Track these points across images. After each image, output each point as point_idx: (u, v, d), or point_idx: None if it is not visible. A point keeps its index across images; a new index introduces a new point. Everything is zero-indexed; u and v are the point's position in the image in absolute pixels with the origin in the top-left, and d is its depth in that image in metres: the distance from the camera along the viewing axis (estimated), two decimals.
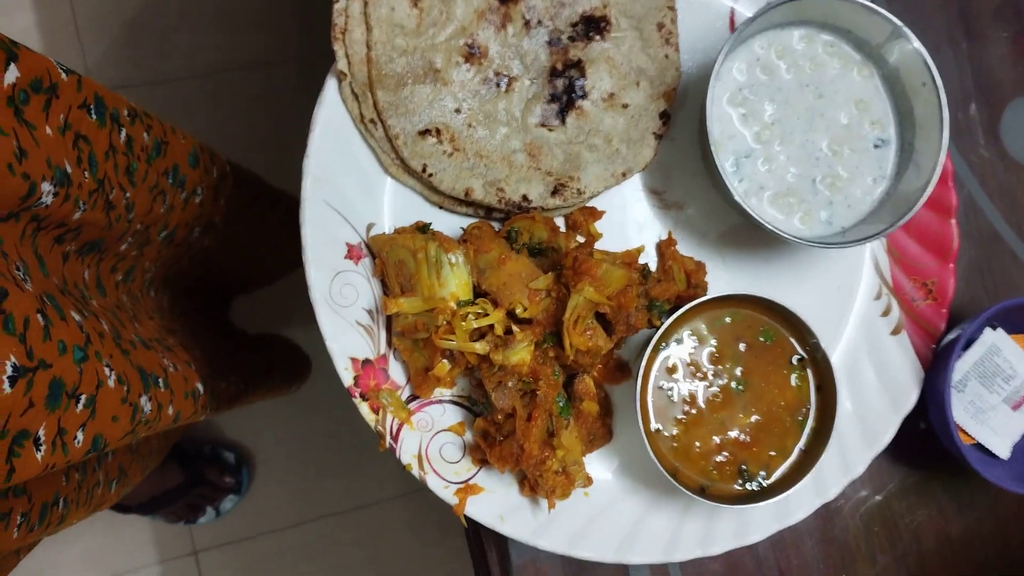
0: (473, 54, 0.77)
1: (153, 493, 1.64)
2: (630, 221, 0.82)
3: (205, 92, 1.78)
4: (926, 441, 0.86)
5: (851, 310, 0.84)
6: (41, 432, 0.67)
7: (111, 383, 0.76)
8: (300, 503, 1.80)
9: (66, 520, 0.90)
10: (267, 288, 1.58)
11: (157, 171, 0.91)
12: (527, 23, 0.79)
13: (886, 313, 0.84)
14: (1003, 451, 0.83)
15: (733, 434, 0.76)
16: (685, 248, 0.82)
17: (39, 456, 0.67)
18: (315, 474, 1.80)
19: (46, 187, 0.71)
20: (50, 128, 0.73)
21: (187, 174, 0.98)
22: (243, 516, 1.77)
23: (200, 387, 0.99)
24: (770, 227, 0.74)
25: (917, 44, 0.76)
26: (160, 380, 0.88)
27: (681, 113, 0.83)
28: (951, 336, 0.83)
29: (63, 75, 0.75)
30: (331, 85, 0.75)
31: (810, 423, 0.77)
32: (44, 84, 0.72)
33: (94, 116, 0.79)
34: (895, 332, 0.84)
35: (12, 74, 0.68)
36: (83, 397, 0.71)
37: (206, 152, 1.04)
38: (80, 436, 0.71)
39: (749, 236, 0.83)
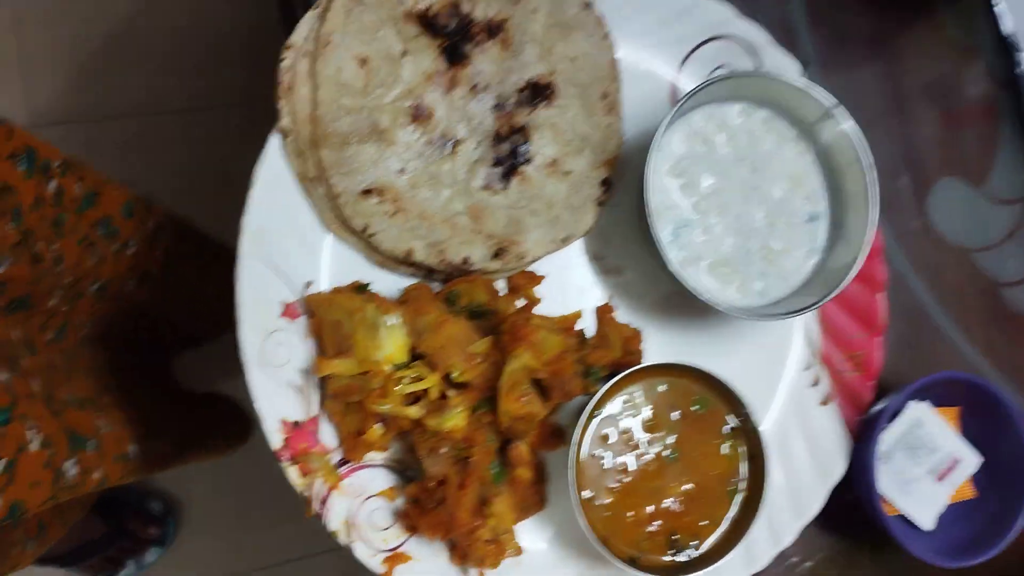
0: (419, 115, 0.78)
1: (72, 545, 1.57)
2: (571, 284, 0.83)
3: (146, 133, 1.75)
4: (853, 511, 0.87)
5: (781, 380, 0.85)
6: None
7: (34, 447, 0.73)
8: (228, 555, 1.73)
9: None
10: (214, 342, 1.54)
11: (88, 222, 0.89)
12: (474, 87, 0.80)
13: (815, 383, 0.86)
14: (927, 523, 0.85)
15: (666, 503, 0.76)
16: (623, 314, 0.83)
17: None
18: (245, 525, 1.74)
19: None
20: None
21: (120, 225, 0.96)
22: (167, 569, 1.70)
23: (133, 449, 0.96)
24: (705, 298, 0.76)
25: (847, 124, 0.78)
26: (89, 442, 0.85)
27: (623, 181, 0.85)
28: (878, 408, 0.85)
29: None
30: (274, 142, 0.75)
31: (741, 493, 0.78)
32: None
33: (23, 167, 0.77)
34: (824, 403, 0.85)
35: None
36: (2, 462, 0.68)
37: (141, 203, 1.02)
38: None
39: (685, 304, 0.84)
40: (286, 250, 0.75)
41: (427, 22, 0.77)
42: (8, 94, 1.70)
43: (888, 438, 0.85)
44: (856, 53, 0.96)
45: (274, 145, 0.75)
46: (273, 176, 0.75)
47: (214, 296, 1.31)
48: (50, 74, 1.73)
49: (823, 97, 0.78)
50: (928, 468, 0.85)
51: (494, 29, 0.80)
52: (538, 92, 0.81)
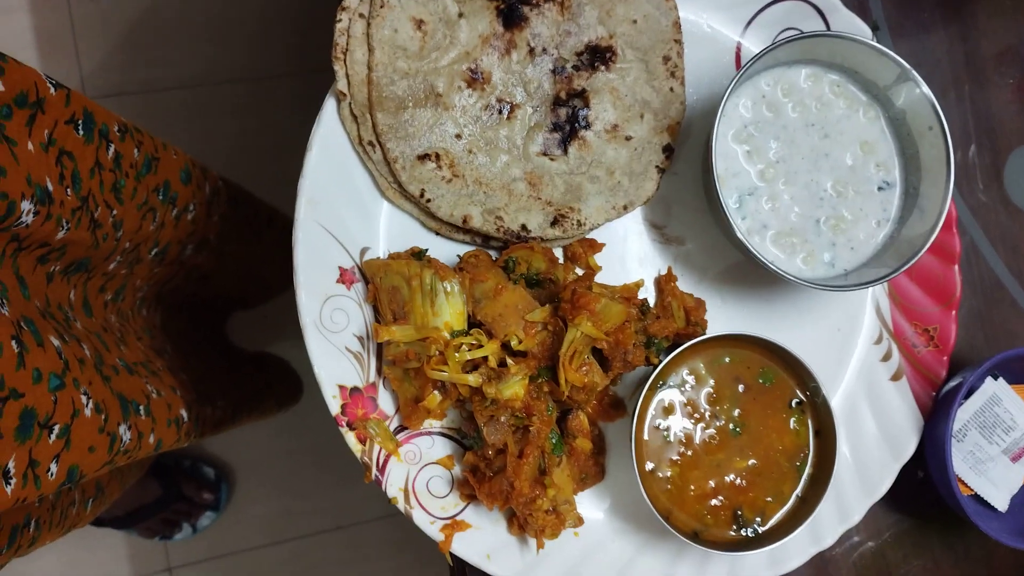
0: (476, 79, 0.76)
1: (129, 507, 1.60)
2: (630, 254, 0.81)
3: (200, 103, 1.76)
4: (923, 489, 0.84)
5: (851, 354, 0.82)
6: (11, 465, 0.64)
7: (88, 412, 0.74)
8: (280, 521, 1.76)
9: (37, 542, 0.87)
10: (266, 304, 1.55)
11: (147, 188, 0.89)
12: (532, 50, 0.77)
13: (886, 358, 0.83)
14: (1001, 504, 0.81)
15: (729, 478, 0.74)
16: (685, 284, 0.81)
17: (8, 490, 0.64)
18: (297, 491, 1.76)
19: (26, 206, 0.68)
20: (32, 144, 0.70)
21: (179, 191, 0.96)
22: (220, 533, 1.73)
23: (184, 414, 0.97)
24: (772, 267, 0.73)
25: (925, 88, 0.75)
26: (142, 408, 0.85)
27: (684, 147, 0.82)
28: (952, 384, 0.82)
29: (52, 89, 0.73)
30: (330, 105, 0.74)
31: (808, 469, 0.75)
32: (30, 98, 0.70)
33: (81, 132, 0.77)
34: (895, 378, 0.82)
35: None
36: (57, 427, 0.69)
37: (198, 168, 1.02)
38: (54, 468, 0.69)
39: (750, 275, 0.82)
40: (342, 215, 0.74)
41: None
42: (63, 66, 1.72)
43: (962, 416, 0.81)
44: (927, 17, 0.92)
45: (330, 109, 0.74)
46: (329, 140, 0.74)
47: (267, 260, 1.32)
48: (103, 46, 1.75)
49: (898, 60, 0.74)
50: (1003, 448, 0.81)
51: None
52: (598, 55, 0.79)
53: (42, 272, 0.79)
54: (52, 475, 0.69)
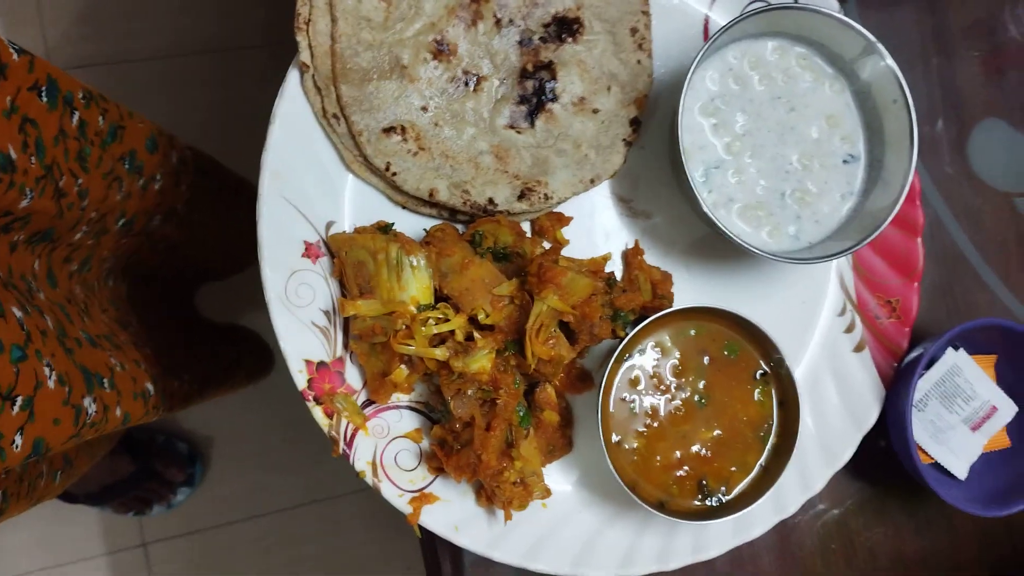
0: (442, 51, 0.75)
1: (102, 483, 1.60)
2: (597, 228, 0.81)
3: (168, 75, 1.74)
4: (884, 458, 0.86)
5: (815, 326, 0.83)
6: None
7: (51, 384, 0.73)
8: (254, 496, 1.76)
9: (5, 513, 0.86)
10: (237, 275, 1.54)
11: (112, 156, 0.88)
12: (498, 21, 0.77)
13: (849, 330, 0.84)
14: (961, 472, 0.83)
15: (694, 448, 0.75)
16: (652, 258, 0.81)
17: None
18: (271, 466, 1.76)
19: None
20: None
21: (145, 160, 0.94)
22: (195, 508, 1.73)
23: (150, 387, 0.96)
24: (738, 240, 0.73)
25: (890, 61, 0.75)
26: (105, 380, 0.85)
27: (652, 121, 0.82)
28: (913, 355, 0.83)
29: (14, 55, 0.71)
30: (293, 77, 0.73)
31: (772, 439, 0.76)
32: None
33: (45, 99, 0.76)
34: (858, 349, 0.83)
35: None
36: (19, 399, 0.68)
37: (165, 137, 1.00)
38: (19, 440, 0.68)
39: (716, 248, 0.82)
40: (307, 189, 0.73)
41: None
42: (27, 36, 1.68)
43: (923, 386, 0.83)
44: None
45: (293, 81, 0.73)
46: (293, 113, 0.73)
47: (237, 231, 1.30)
48: (69, 16, 1.71)
49: (863, 32, 0.75)
50: (963, 417, 0.83)
51: None
52: (565, 27, 0.78)
53: (5, 241, 0.78)
54: (17, 447, 0.68)
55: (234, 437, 1.76)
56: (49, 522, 1.68)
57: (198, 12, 1.74)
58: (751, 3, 0.83)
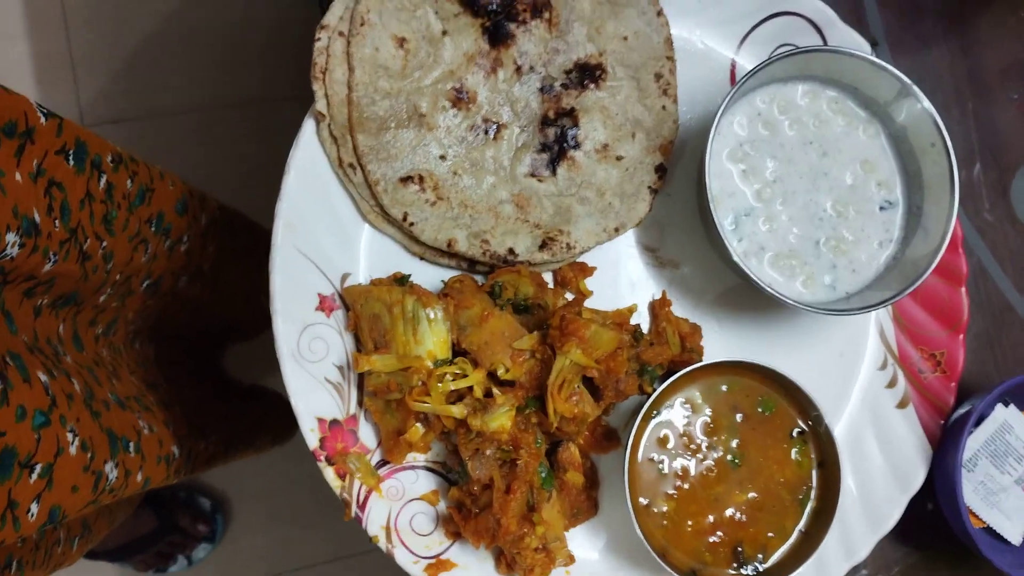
0: (461, 99, 0.74)
1: (124, 540, 1.57)
2: (622, 278, 0.78)
3: (200, 129, 1.75)
4: (932, 521, 0.81)
5: (855, 381, 0.79)
6: None
7: (73, 450, 0.71)
8: (275, 553, 1.73)
9: None
10: (262, 335, 1.53)
11: (139, 219, 0.87)
12: (519, 69, 0.75)
13: (891, 385, 0.79)
14: (1015, 537, 0.78)
15: (728, 512, 0.71)
16: (680, 309, 0.78)
17: None
18: (293, 522, 1.73)
19: (11, 238, 0.66)
20: (20, 174, 0.69)
21: (173, 222, 0.94)
22: (216, 565, 1.70)
23: (175, 450, 0.94)
24: (770, 290, 0.70)
25: (927, 103, 0.72)
26: (131, 444, 0.83)
27: (678, 167, 0.79)
28: (961, 412, 0.78)
29: (42, 119, 0.71)
30: (308, 127, 0.72)
31: (811, 503, 0.72)
32: (19, 128, 0.68)
33: (72, 162, 0.75)
34: (901, 405, 0.79)
35: None
36: (39, 466, 0.66)
37: (195, 198, 0.99)
38: (35, 508, 0.66)
39: (748, 298, 0.79)
40: (322, 240, 0.71)
41: (469, 0, 0.73)
42: (60, 93, 1.71)
43: (972, 444, 0.78)
44: (928, 31, 0.90)
45: (309, 130, 0.71)
46: (308, 163, 0.71)
47: (264, 289, 1.29)
48: (101, 72, 1.74)
49: (897, 75, 0.72)
50: (1016, 477, 0.78)
51: (539, 7, 0.75)
52: (587, 73, 0.76)
53: (29, 306, 0.77)
54: (32, 516, 0.66)
55: (256, 491, 1.73)
56: None
57: (232, 66, 1.76)
58: (780, 47, 0.81)
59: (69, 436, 0.71)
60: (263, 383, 1.65)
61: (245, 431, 1.40)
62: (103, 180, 0.80)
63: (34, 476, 0.66)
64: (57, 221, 0.73)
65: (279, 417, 1.60)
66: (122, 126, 1.73)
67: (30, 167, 0.70)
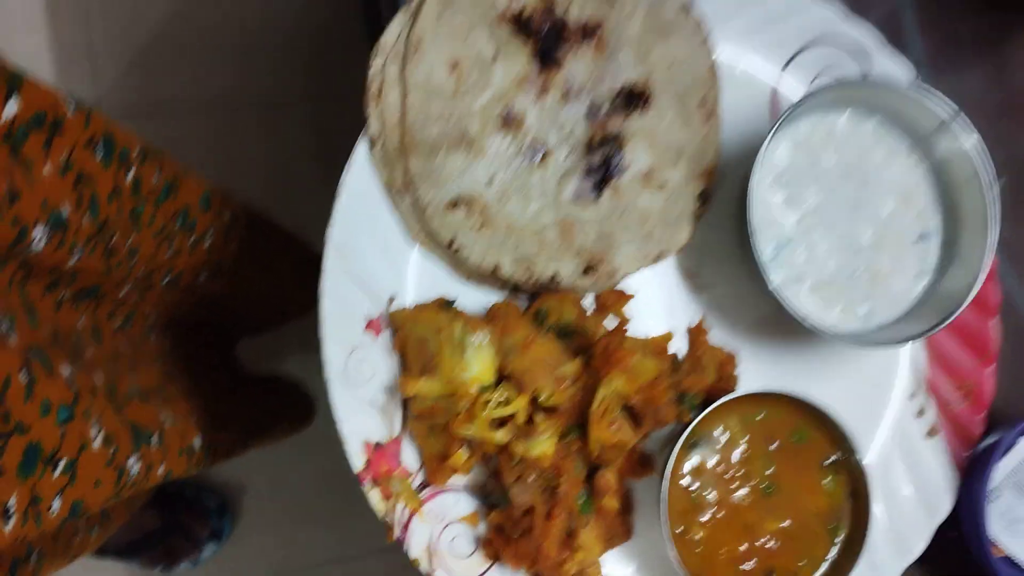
0: (509, 122, 0.74)
1: (130, 537, 1.57)
2: (658, 302, 0.78)
3: (218, 125, 1.74)
4: (955, 550, 0.82)
5: (885, 409, 0.80)
6: (11, 502, 0.61)
7: (96, 445, 0.71)
8: (284, 552, 1.73)
9: (40, 573, 0.84)
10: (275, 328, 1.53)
11: (165, 214, 0.87)
12: (566, 92, 0.75)
13: (921, 414, 0.80)
14: None
15: (761, 540, 0.72)
16: (716, 335, 0.78)
17: (7, 528, 0.61)
18: (302, 521, 1.73)
19: (38, 232, 0.66)
20: (50, 167, 0.67)
21: (198, 217, 0.93)
22: (222, 564, 1.70)
23: (197, 442, 0.94)
24: (808, 323, 0.71)
25: (968, 136, 0.73)
26: (153, 437, 0.83)
27: (717, 192, 0.80)
28: (988, 442, 0.79)
29: (70, 111, 0.70)
30: (361, 150, 0.72)
31: (842, 532, 0.73)
32: (47, 119, 0.67)
33: (100, 155, 0.74)
34: (930, 435, 0.80)
35: (12, 107, 0.63)
36: (62, 462, 0.66)
37: (218, 194, 0.99)
38: (57, 504, 0.66)
39: (783, 326, 0.79)
40: (371, 263, 0.72)
41: (520, 24, 0.73)
42: (78, 88, 1.69)
43: (996, 475, 0.79)
44: (965, 55, 0.90)
45: (361, 153, 0.71)
46: (360, 186, 0.72)
47: (283, 286, 1.29)
48: (120, 68, 1.72)
49: (941, 108, 0.72)
50: None
51: (588, 32, 0.75)
52: (633, 98, 0.77)
53: (51, 299, 0.76)
54: (54, 512, 0.66)
55: (264, 489, 1.73)
56: None
57: (249, 62, 1.75)
58: (821, 72, 0.81)
59: (93, 431, 0.71)
60: (276, 371, 1.65)
61: (263, 420, 1.40)
62: (131, 174, 0.79)
63: (57, 472, 0.66)
64: (86, 216, 0.72)
65: (295, 404, 1.60)
66: (138, 122, 1.72)
67: (59, 161, 0.68)
